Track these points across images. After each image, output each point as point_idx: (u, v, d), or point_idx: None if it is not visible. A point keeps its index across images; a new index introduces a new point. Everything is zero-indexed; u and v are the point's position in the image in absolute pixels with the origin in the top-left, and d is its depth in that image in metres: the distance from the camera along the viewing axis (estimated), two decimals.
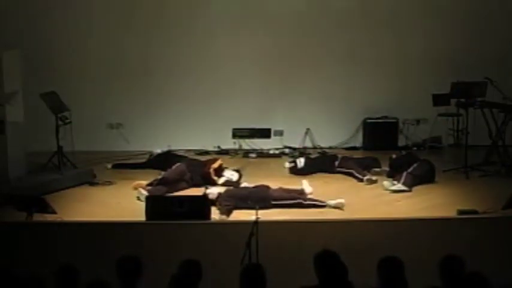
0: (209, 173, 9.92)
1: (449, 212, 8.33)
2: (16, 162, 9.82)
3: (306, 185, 9.46)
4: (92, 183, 10.06)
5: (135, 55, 12.02)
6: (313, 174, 10.47)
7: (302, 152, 11.82)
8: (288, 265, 6.79)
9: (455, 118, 11.86)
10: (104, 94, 12.02)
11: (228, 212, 8.53)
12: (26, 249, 7.31)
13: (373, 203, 9.03)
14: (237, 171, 10.24)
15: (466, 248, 6.04)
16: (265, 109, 12.13)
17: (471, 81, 10.67)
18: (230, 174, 10.07)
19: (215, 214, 8.37)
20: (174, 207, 7.85)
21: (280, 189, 9.22)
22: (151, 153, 11.29)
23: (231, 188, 9.41)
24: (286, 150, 12.01)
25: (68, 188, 9.78)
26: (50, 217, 7.96)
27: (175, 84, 12.08)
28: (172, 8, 11.98)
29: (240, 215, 8.44)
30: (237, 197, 8.87)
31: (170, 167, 9.97)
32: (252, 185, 9.40)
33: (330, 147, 12.08)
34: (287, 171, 10.70)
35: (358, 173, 10.21)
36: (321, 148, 12.06)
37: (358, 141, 12.24)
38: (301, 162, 10.71)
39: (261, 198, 8.75)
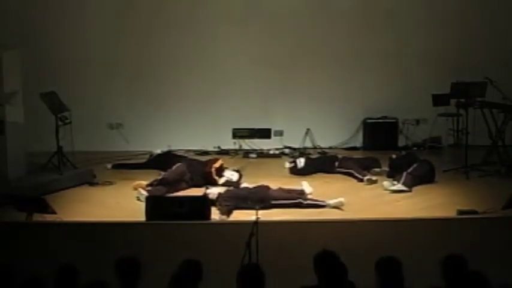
0: (210, 173, 9.92)
1: (449, 212, 8.34)
2: (16, 163, 9.81)
3: (306, 185, 9.46)
4: (92, 184, 10.06)
5: (134, 55, 12.01)
6: (313, 175, 10.47)
7: (302, 152, 11.81)
8: (288, 265, 6.79)
9: (455, 118, 11.86)
10: (103, 94, 12.01)
11: (228, 212, 8.53)
12: (25, 249, 7.31)
13: (373, 203, 9.03)
14: (237, 171, 10.24)
15: (466, 248, 6.03)
16: (265, 109, 12.13)
17: (471, 81, 10.68)
18: (230, 175, 10.07)
19: (215, 214, 8.37)
20: (174, 208, 7.85)
21: (280, 189, 9.22)
22: (151, 154, 11.28)
23: (231, 188, 9.41)
24: (286, 151, 12.00)
25: (67, 188, 9.78)
26: (49, 217, 7.96)
27: (175, 85, 12.07)
28: (172, 8, 11.97)
29: (240, 215, 8.44)
30: (237, 197, 8.87)
31: (170, 167, 9.97)
32: (252, 185, 9.40)
33: (330, 148, 12.07)
34: (287, 171, 10.70)
35: (358, 173, 10.21)
36: (321, 148, 12.05)
37: (358, 142, 12.24)
38: (301, 162, 10.71)
39: (261, 198, 8.76)
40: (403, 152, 11.05)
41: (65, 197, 9.40)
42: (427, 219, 7.99)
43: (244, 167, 10.71)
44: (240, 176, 10.11)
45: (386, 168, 10.37)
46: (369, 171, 10.28)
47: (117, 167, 10.99)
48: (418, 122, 12.08)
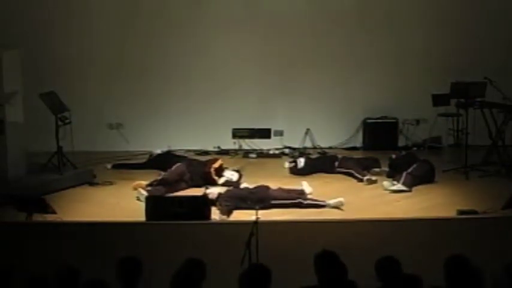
0: (210, 173, 9.92)
1: (449, 212, 8.34)
2: (16, 163, 9.81)
3: (306, 185, 9.47)
4: (92, 184, 10.06)
5: (135, 55, 12.01)
6: (313, 175, 10.47)
7: (302, 152, 11.81)
8: (288, 265, 6.78)
9: (455, 118, 11.86)
10: (103, 94, 12.00)
11: (229, 212, 8.53)
12: (25, 249, 7.31)
13: (373, 203, 9.03)
14: (237, 171, 10.24)
15: (466, 248, 6.03)
16: (265, 109, 12.13)
17: (471, 81, 10.68)
18: (230, 175, 10.08)
19: (215, 214, 8.37)
20: (174, 208, 7.85)
21: (280, 189, 9.22)
22: (151, 154, 11.28)
23: (231, 188, 9.41)
24: (286, 151, 12.00)
25: (67, 188, 9.78)
26: (49, 217, 7.96)
27: (175, 85, 12.07)
28: (172, 9, 11.97)
29: (240, 215, 8.45)
30: (237, 197, 8.88)
31: (170, 167, 9.97)
32: (251, 185, 9.40)
33: (330, 147, 12.07)
34: (287, 171, 10.70)
35: (358, 173, 10.22)
36: (321, 148, 12.06)
37: (358, 142, 12.24)
38: (301, 162, 10.71)
39: (261, 198, 8.77)
40: (403, 152, 11.05)
41: (65, 197, 9.40)
42: (426, 219, 7.99)
43: (244, 167, 10.71)
44: (240, 176, 10.11)
45: (386, 168, 10.37)
46: (368, 171, 10.29)
47: (117, 167, 10.99)
48: (418, 122, 12.09)
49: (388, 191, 9.48)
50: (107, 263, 5.41)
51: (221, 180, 9.91)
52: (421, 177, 9.76)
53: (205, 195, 8.76)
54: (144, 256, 5.38)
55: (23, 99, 10.11)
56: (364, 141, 12.19)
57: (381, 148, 11.61)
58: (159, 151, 11.32)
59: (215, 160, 10.36)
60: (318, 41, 12.03)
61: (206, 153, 11.79)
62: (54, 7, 11.86)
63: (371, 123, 12.10)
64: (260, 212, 7.06)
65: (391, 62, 12.04)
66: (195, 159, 10.70)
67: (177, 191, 9.60)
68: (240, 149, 12.01)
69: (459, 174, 10.12)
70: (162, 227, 7.64)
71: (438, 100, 11.53)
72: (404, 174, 9.63)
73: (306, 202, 8.92)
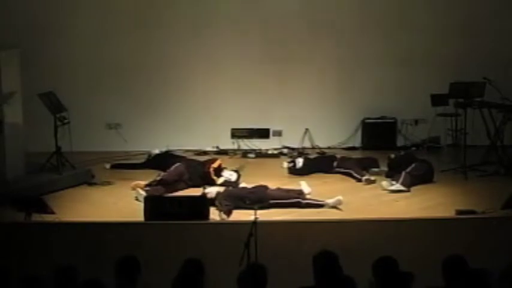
0: (209, 173, 9.92)
1: (448, 212, 8.35)
2: (14, 163, 9.80)
3: (305, 185, 9.46)
4: (91, 184, 10.06)
5: (134, 55, 11.99)
6: (312, 175, 10.47)
7: (301, 152, 11.80)
8: (287, 265, 6.79)
9: (454, 118, 11.82)
10: (102, 94, 11.99)
11: (229, 212, 8.53)
12: (24, 249, 7.30)
13: (371, 203, 9.04)
14: (236, 171, 10.24)
15: (465, 248, 6.03)
16: (263, 109, 12.12)
17: (469, 81, 10.68)
18: (229, 175, 10.06)
19: (214, 214, 8.36)
20: (172, 208, 7.85)
21: (279, 189, 9.22)
22: (149, 154, 11.27)
23: (230, 188, 9.41)
24: (285, 151, 11.99)
25: (66, 188, 9.78)
26: (48, 217, 7.96)
27: (174, 85, 12.06)
28: (172, 9, 11.96)
29: (239, 215, 8.45)
30: (236, 197, 8.88)
31: (169, 167, 9.97)
32: (250, 185, 9.40)
33: (329, 148, 12.07)
34: (286, 171, 10.70)
35: (356, 173, 10.22)
36: (320, 148, 12.05)
37: (356, 141, 12.23)
38: (299, 162, 10.70)
39: (260, 198, 8.78)
40: (402, 152, 11.04)
41: (64, 197, 9.40)
42: (425, 219, 7.99)
43: (243, 167, 10.70)
44: (239, 176, 10.10)
45: (384, 168, 10.37)
46: (367, 171, 10.28)
47: (116, 167, 10.99)
48: (416, 122, 12.09)
49: (386, 191, 9.48)
50: (106, 263, 5.41)
51: (220, 180, 9.90)
52: (420, 177, 9.76)
53: (203, 195, 8.75)
54: (142, 256, 5.37)
55: (22, 100, 10.10)
56: (362, 141, 12.18)
57: (380, 148, 11.61)
58: (157, 151, 11.31)
59: (214, 160, 10.35)
60: (317, 42, 12.02)
61: (205, 153, 11.78)
62: (53, 7, 11.84)
63: (370, 123, 12.10)
64: (259, 212, 7.06)
65: (390, 62, 12.03)
66: (193, 159, 10.69)
67: (176, 191, 9.60)
68: (239, 149, 12.01)
69: (458, 174, 10.13)
70: (161, 227, 7.64)
71: (437, 100, 11.53)
72: (403, 174, 9.63)
73: (304, 202, 8.92)
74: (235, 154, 11.90)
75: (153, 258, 6.54)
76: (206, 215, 7.94)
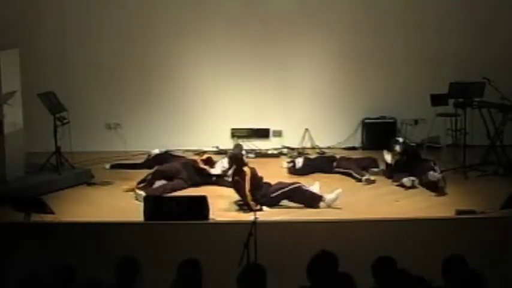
0: (197, 162, 10.09)
1: (448, 212, 8.35)
2: (14, 163, 9.80)
3: (317, 187, 9.38)
4: (90, 184, 10.06)
5: (133, 56, 11.99)
6: (312, 175, 10.46)
7: (300, 152, 11.80)
8: (287, 265, 6.78)
9: (454, 118, 11.81)
10: (101, 94, 12.00)
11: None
12: (23, 249, 7.29)
13: (371, 203, 9.04)
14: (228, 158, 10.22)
15: (464, 248, 6.03)
16: (263, 109, 12.12)
17: (469, 81, 10.68)
18: (222, 163, 10.13)
19: (214, 214, 8.34)
20: (172, 208, 7.84)
21: (279, 182, 9.26)
22: (149, 154, 11.26)
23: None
24: (285, 151, 11.99)
25: (66, 188, 9.78)
26: (47, 217, 7.95)
27: (174, 85, 12.06)
28: (171, 9, 11.96)
29: (239, 215, 8.44)
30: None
31: None
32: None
33: (329, 148, 12.07)
34: (285, 171, 10.69)
35: (356, 173, 10.22)
36: (320, 148, 12.05)
37: (356, 142, 12.23)
38: (299, 162, 10.71)
39: (262, 194, 8.86)
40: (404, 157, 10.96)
41: (63, 197, 9.40)
42: (425, 219, 7.99)
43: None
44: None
45: (384, 168, 10.37)
46: (367, 171, 10.28)
47: (116, 167, 10.99)
48: (416, 122, 12.09)
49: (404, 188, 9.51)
50: (105, 263, 5.40)
51: (217, 170, 10.06)
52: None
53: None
54: (142, 256, 5.36)
55: (22, 100, 10.10)
56: (362, 141, 12.19)
57: (380, 148, 11.55)
58: (157, 151, 11.30)
59: (202, 154, 10.61)
60: (316, 41, 12.02)
61: (204, 153, 11.75)
62: (53, 8, 11.85)
63: (369, 123, 12.10)
64: (258, 212, 7.06)
65: (390, 62, 12.03)
66: (190, 159, 10.71)
67: (174, 186, 9.65)
68: None
69: (457, 174, 10.13)
70: (161, 228, 7.63)
71: (436, 100, 11.51)
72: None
73: (304, 188, 8.94)
74: None
75: (153, 258, 6.53)
76: (206, 215, 7.93)
